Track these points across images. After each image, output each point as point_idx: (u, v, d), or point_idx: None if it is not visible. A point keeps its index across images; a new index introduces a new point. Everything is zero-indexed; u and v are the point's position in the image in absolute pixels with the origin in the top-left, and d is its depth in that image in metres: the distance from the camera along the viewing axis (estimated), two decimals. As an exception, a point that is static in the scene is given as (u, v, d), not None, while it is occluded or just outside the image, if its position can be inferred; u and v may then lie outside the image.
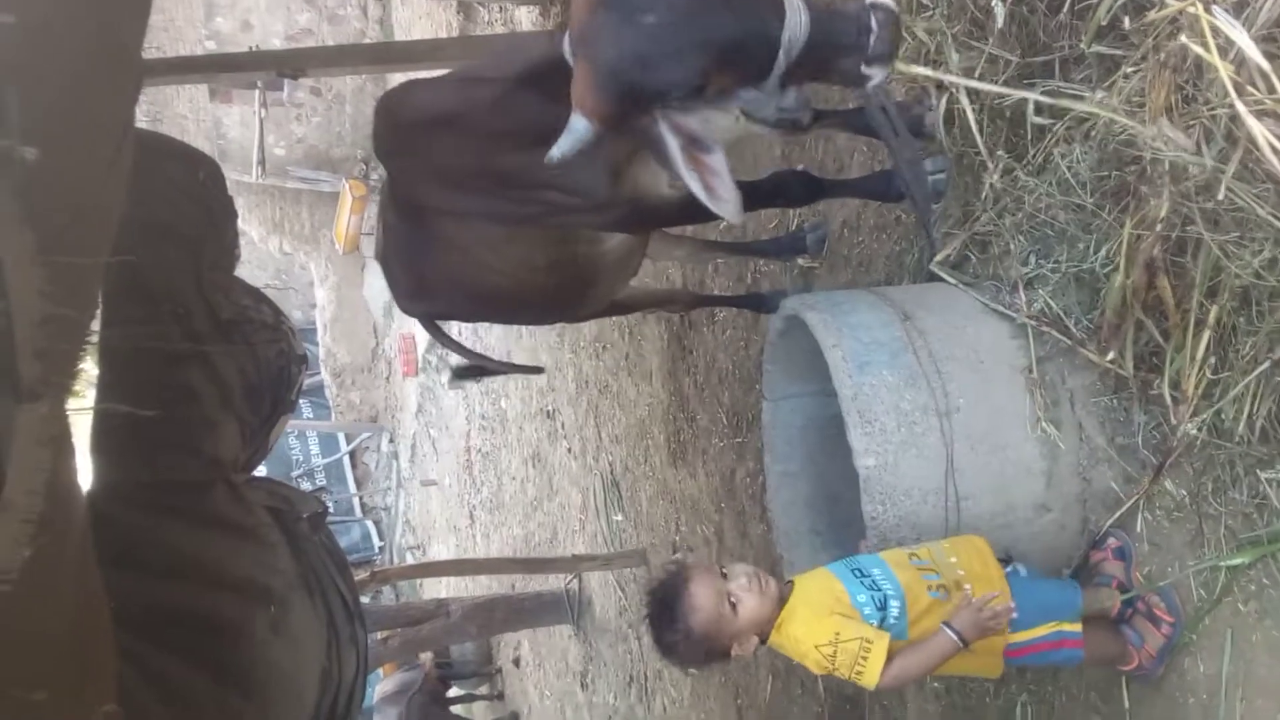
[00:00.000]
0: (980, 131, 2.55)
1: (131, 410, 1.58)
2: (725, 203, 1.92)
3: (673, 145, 1.87)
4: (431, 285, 2.95)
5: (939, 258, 2.71)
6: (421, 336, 12.58)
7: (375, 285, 14.19)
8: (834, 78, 1.95)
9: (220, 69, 6.55)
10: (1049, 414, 2.35)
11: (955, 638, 2.05)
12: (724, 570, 2.25)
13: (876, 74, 1.86)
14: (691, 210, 2.73)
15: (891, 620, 2.13)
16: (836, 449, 2.98)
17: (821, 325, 2.46)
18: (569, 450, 7.62)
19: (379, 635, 6.85)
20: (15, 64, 1.16)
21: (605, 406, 6.69)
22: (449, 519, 12.34)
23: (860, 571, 2.21)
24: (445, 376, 11.86)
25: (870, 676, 2.05)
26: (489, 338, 10.20)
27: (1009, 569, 2.25)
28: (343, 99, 13.69)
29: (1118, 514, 2.33)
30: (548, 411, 8.22)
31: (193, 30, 12.94)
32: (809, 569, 2.89)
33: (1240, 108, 1.58)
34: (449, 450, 12.14)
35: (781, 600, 2.23)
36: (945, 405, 2.36)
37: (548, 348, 8.06)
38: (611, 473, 6.62)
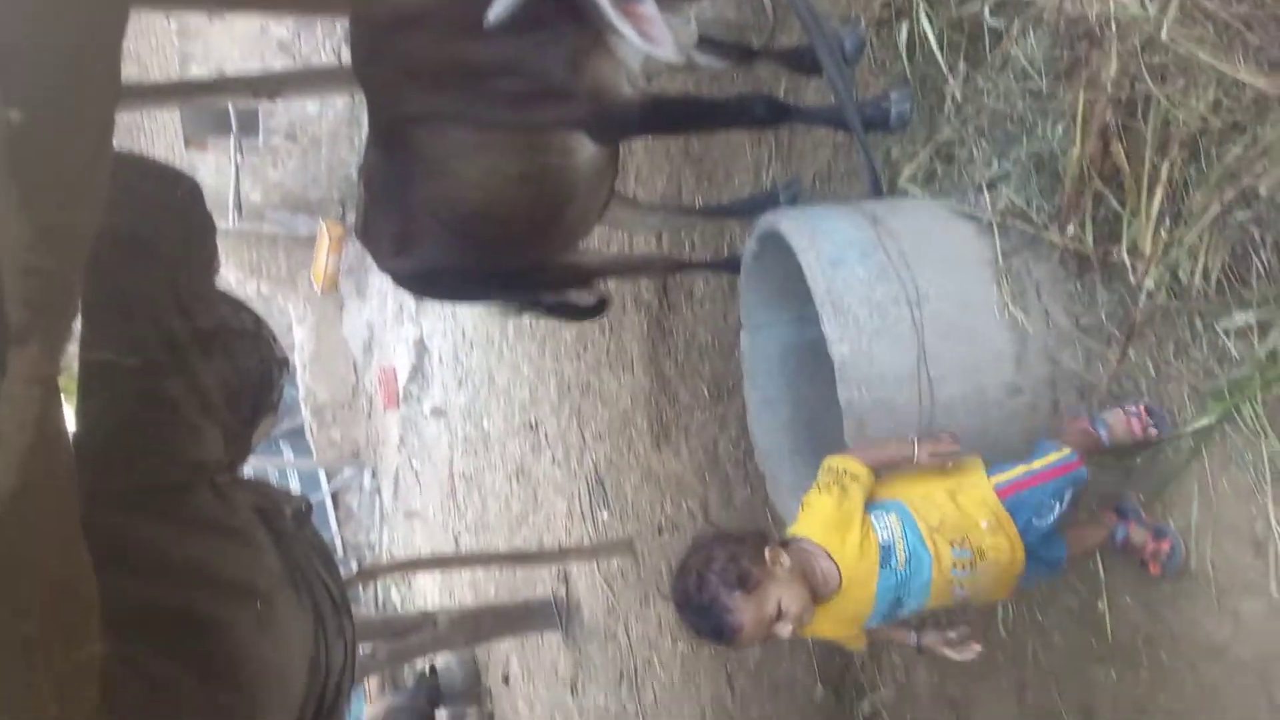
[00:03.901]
0: (940, 48, 2.67)
1: (112, 418, 1.64)
2: (662, 44, 2.05)
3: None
4: (413, 223, 3.03)
5: (906, 173, 2.82)
6: (402, 368, 12.62)
7: (354, 321, 14.25)
8: None
9: (195, 94, 6.67)
10: (1017, 301, 2.45)
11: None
12: (781, 607, 2.07)
13: None
14: (652, 116, 2.86)
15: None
16: (815, 373, 3.06)
17: (795, 231, 2.56)
18: (553, 459, 7.65)
19: (366, 649, 6.81)
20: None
21: (588, 406, 6.74)
22: (434, 548, 12.26)
23: (899, 602, 2.16)
24: (427, 406, 11.89)
25: None
26: (469, 361, 10.28)
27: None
28: (319, 142, 13.74)
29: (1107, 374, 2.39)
30: (530, 424, 8.25)
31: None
32: (791, 486, 2.98)
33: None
34: (432, 480, 12.11)
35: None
36: (915, 296, 2.45)
37: (529, 359, 8.12)
38: (596, 471, 6.65)
